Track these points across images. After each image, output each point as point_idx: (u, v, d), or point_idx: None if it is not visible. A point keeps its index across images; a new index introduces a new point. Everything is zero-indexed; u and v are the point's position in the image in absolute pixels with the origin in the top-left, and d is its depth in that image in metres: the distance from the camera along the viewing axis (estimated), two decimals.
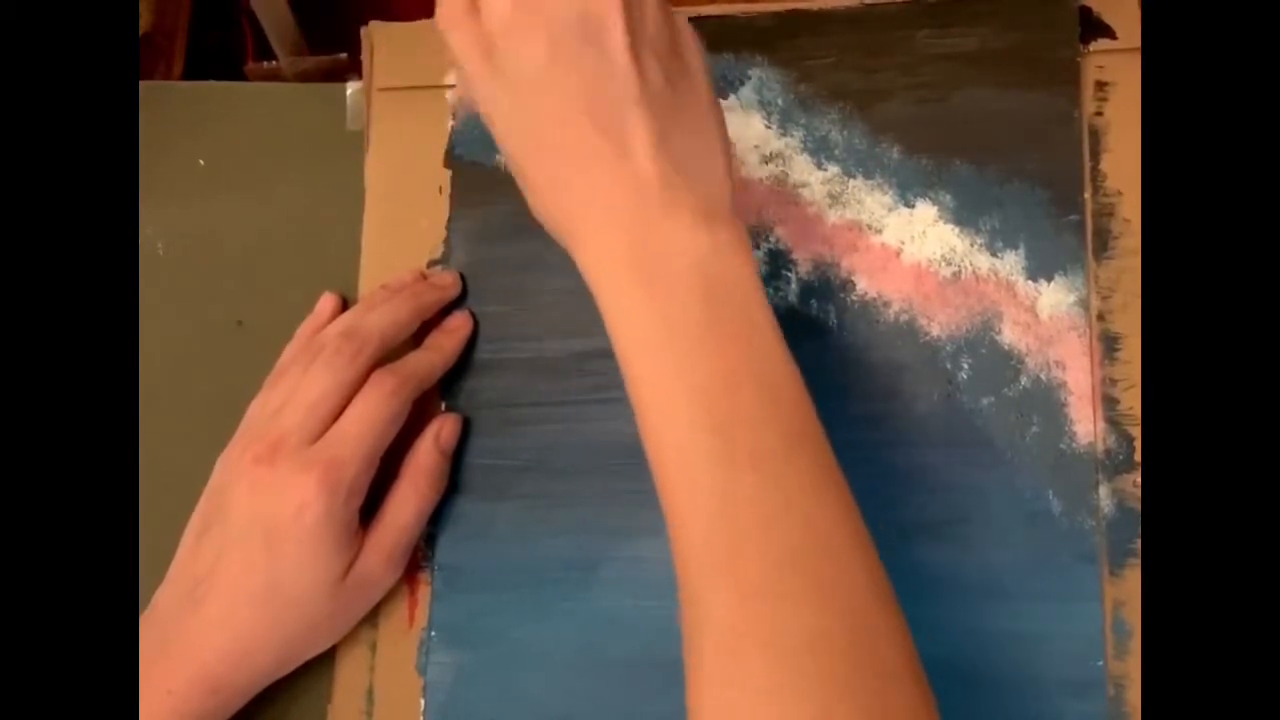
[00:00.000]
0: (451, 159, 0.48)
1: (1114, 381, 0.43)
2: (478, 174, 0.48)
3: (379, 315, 0.44)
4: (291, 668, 0.43)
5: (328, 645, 0.44)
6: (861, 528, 0.35)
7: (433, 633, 0.44)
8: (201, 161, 0.51)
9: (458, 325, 0.46)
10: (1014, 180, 0.44)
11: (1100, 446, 0.42)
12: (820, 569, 0.33)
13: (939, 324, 0.44)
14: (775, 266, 0.45)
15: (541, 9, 0.36)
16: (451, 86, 0.49)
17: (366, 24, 0.50)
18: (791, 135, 0.46)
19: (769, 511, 0.34)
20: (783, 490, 0.34)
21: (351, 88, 0.50)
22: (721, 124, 0.39)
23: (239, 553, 0.41)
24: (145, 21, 0.55)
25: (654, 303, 0.36)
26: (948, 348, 0.43)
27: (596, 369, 0.45)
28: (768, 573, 0.33)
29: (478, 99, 0.39)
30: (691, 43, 0.39)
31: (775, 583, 0.33)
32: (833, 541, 0.34)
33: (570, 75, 0.36)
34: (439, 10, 0.39)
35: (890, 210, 0.45)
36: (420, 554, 0.45)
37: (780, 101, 0.47)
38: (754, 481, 0.34)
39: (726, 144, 0.39)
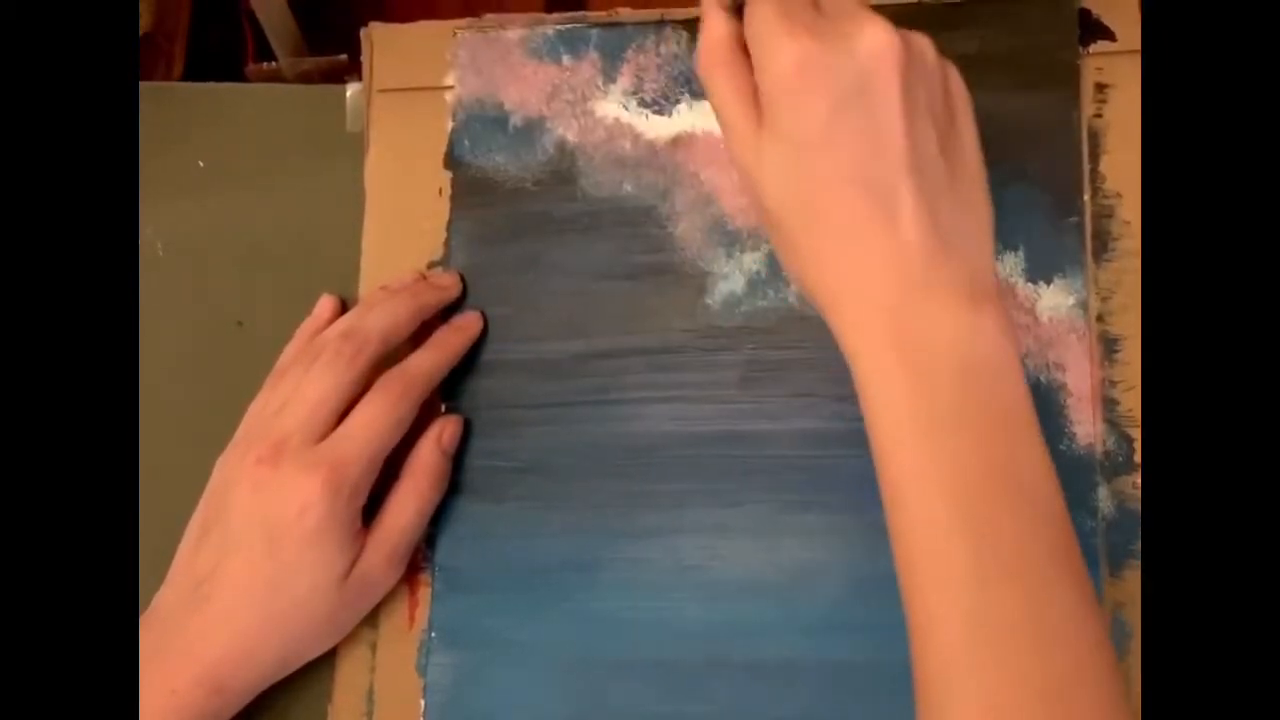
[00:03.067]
0: (451, 160, 0.48)
1: (1114, 383, 0.43)
2: (478, 175, 0.48)
3: (379, 316, 0.44)
4: (293, 668, 0.43)
5: (329, 646, 0.44)
6: (1113, 654, 0.33)
7: (433, 633, 0.44)
8: (201, 162, 0.51)
9: (467, 324, 0.46)
10: (1013, 182, 0.44)
11: (1100, 448, 0.42)
12: (1079, 702, 0.31)
13: None
14: (775, 267, 0.45)
15: (825, 69, 0.35)
16: (451, 88, 0.49)
17: (366, 25, 0.50)
18: None
19: (1029, 635, 0.32)
20: (1044, 612, 0.32)
21: (351, 89, 0.50)
22: (987, 192, 0.37)
23: (241, 553, 0.41)
24: (145, 21, 0.55)
25: (914, 390, 0.34)
26: None
27: (597, 370, 0.45)
28: (1025, 704, 0.31)
29: (733, 148, 0.37)
30: (963, 102, 0.37)
31: (1031, 715, 0.31)
32: (1092, 673, 0.32)
33: (846, 140, 0.35)
34: (701, 48, 0.38)
35: None
36: (420, 555, 0.45)
37: None
38: (1013, 600, 0.32)
39: (991, 214, 0.37)
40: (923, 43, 0.36)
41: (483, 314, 0.47)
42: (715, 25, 0.37)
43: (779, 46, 0.35)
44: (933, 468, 0.33)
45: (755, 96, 0.36)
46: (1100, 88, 0.45)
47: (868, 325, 0.35)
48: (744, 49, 0.37)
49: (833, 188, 0.35)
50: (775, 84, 0.35)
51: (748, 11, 0.37)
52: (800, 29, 0.35)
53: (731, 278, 0.45)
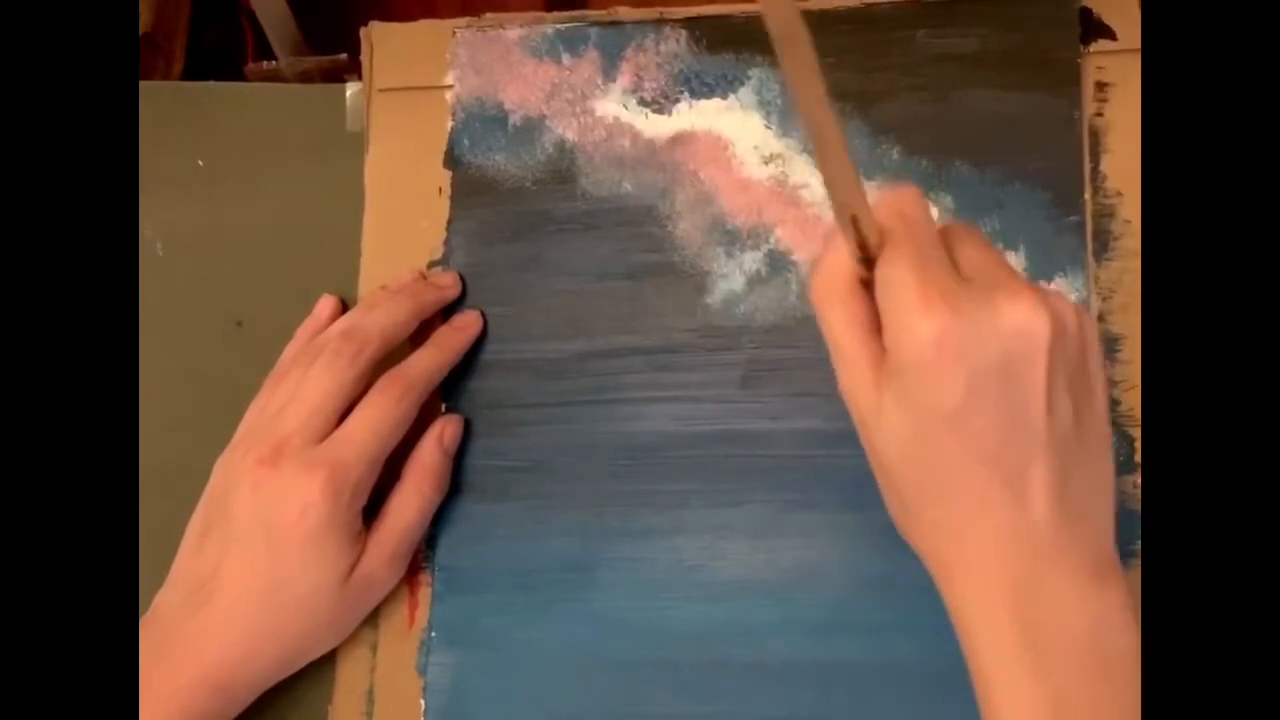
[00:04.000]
0: (451, 159, 0.48)
1: (1114, 382, 0.43)
2: (478, 175, 0.48)
3: (379, 315, 0.44)
4: (295, 668, 0.43)
5: (331, 646, 0.44)
6: None
7: (433, 633, 0.44)
8: (201, 161, 0.51)
9: (468, 323, 0.46)
10: (1014, 181, 0.44)
11: None
12: None
13: None
14: (775, 266, 0.45)
15: (966, 345, 0.32)
16: (450, 87, 0.49)
17: (366, 24, 0.50)
18: (792, 136, 0.46)
19: None
20: None
21: (351, 88, 0.50)
22: (1110, 449, 0.35)
23: (242, 554, 0.41)
24: (145, 21, 0.55)
25: (1041, 680, 0.32)
26: None
27: (597, 369, 0.45)
28: None
29: (846, 384, 0.35)
30: (1097, 360, 0.35)
31: None
32: None
33: (981, 419, 0.33)
34: (818, 278, 0.35)
35: None
36: (420, 555, 0.45)
37: (780, 102, 0.47)
38: None
39: (1114, 471, 0.35)
40: (1066, 308, 0.33)
41: (483, 313, 0.47)
42: (837, 258, 0.35)
43: (917, 320, 0.33)
44: None
45: (874, 330, 0.34)
46: (1101, 86, 0.45)
47: (988, 602, 0.33)
48: (864, 282, 0.35)
49: (962, 464, 0.33)
50: (909, 353, 0.33)
51: (883, 269, 0.34)
52: (941, 302, 0.32)
53: (731, 277, 0.45)
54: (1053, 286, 0.43)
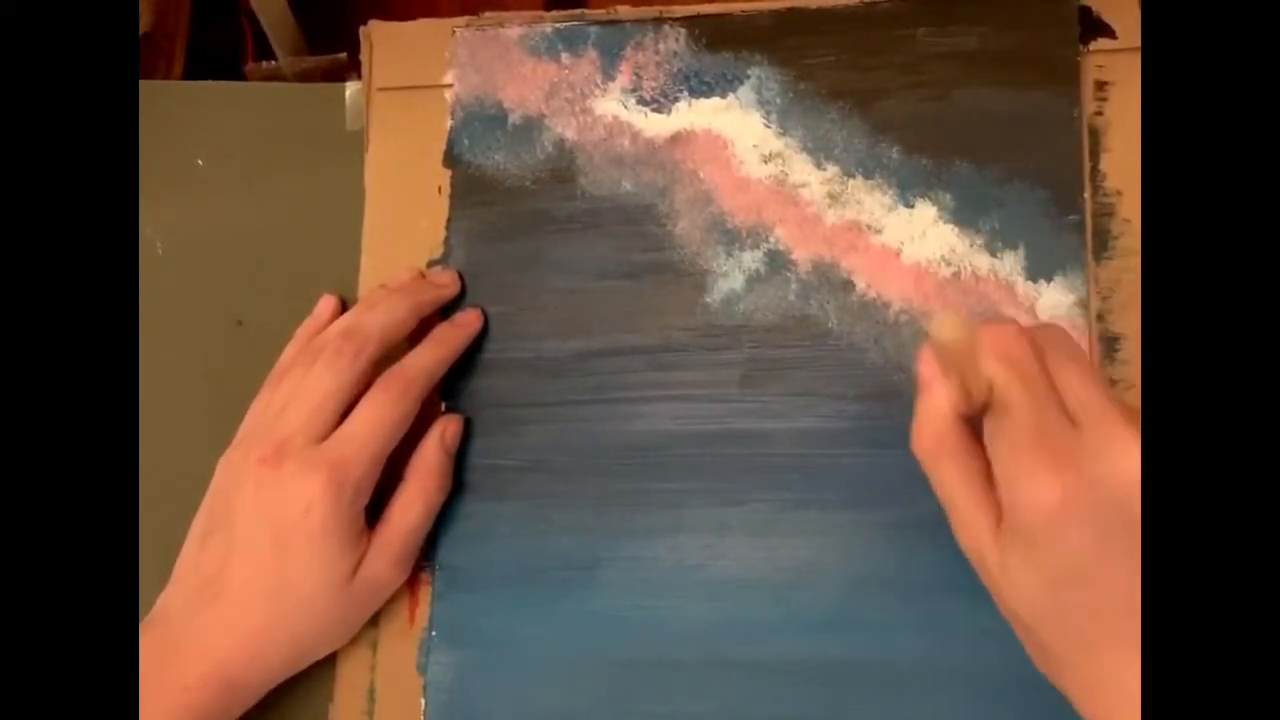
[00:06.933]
0: (451, 159, 0.48)
1: (1114, 382, 0.43)
2: (477, 174, 0.48)
3: (378, 314, 0.44)
4: (301, 667, 0.43)
5: (337, 645, 0.44)
6: None
7: (433, 632, 0.44)
8: (201, 161, 0.51)
9: (468, 320, 0.46)
10: (1014, 180, 0.44)
11: None
12: None
13: None
14: (775, 266, 0.45)
15: (1088, 503, 0.32)
16: (450, 86, 0.49)
17: (366, 24, 0.50)
18: (791, 135, 0.46)
19: None
20: None
21: (351, 88, 0.50)
22: None
23: (247, 553, 0.41)
24: (145, 21, 0.55)
25: None
26: None
27: (597, 369, 0.45)
28: None
29: (966, 541, 0.36)
30: None
31: None
32: None
33: (1115, 573, 0.33)
34: (923, 430, 0.35)
35: (890, 210, 0.45)
36: (421, 554, 0.45)
37: (779, 100, 0.47)
38: None
39: None
40: None
41: (483, 311, 0.47)
42: (940, 406, 0.35)
43: (1039, 477, 0.33)
44: None
45: (988, 483, 0.35)
46: (1101, 85, 0.45)
47: None
48: (969, 431, 0.35)
49: (1103, 618, 0.33)
50: (1031, 512, 0.33)
51: (995, 427, 0.34)
52: (1059, 459, 0.33)
53: (731, 276, 0.45)
54: (1051, 287, 0.43)
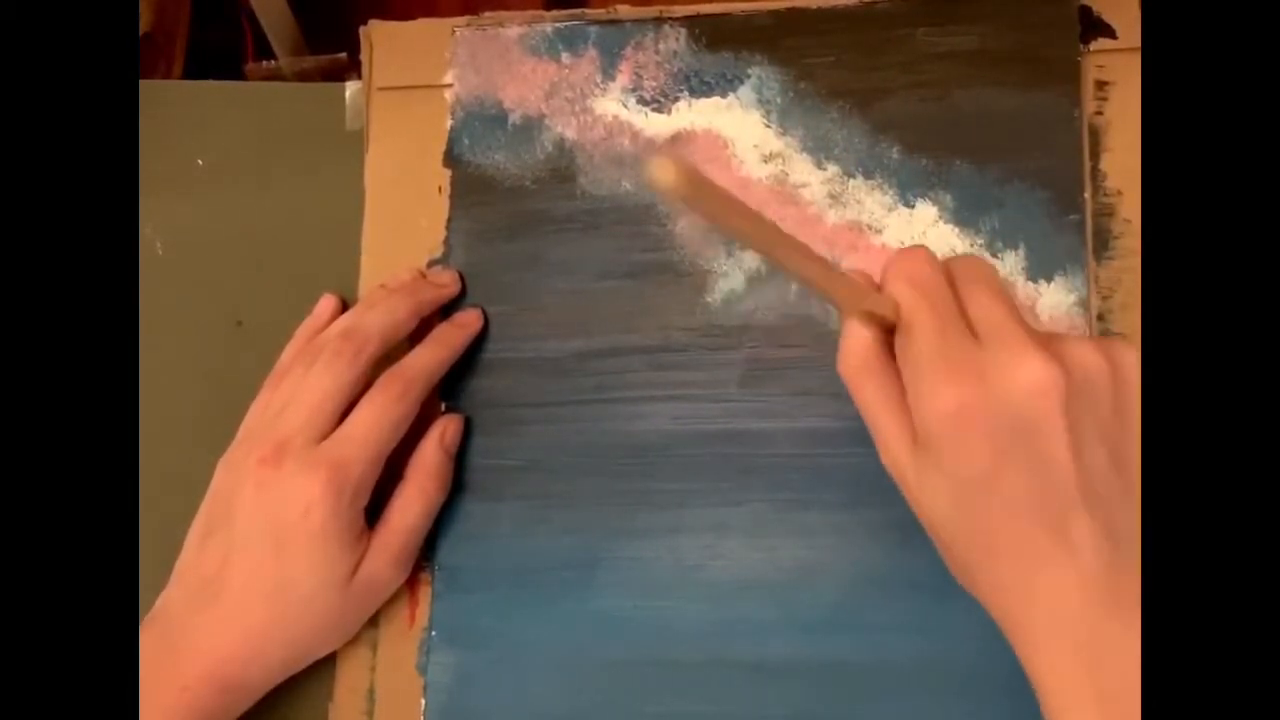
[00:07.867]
0: (451, 158, 0.48)
1: None
2: (477, 173, 0.48)
3: (378, 314, 0.44)
4: (301, 667, 0.43)
5: (337, 645, 0.44)
6: None
7: (433, 633, 0.44)
8: (200, 161, 0.51)
9: (468, 321, 0.46)
10: (1014, 180, 0.44)
11: None
12: None
13: None
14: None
15: (985, 412, 0.33)
16: (450, 86, 0.49)
17: (366, 23, 0.50)
18: (791, 134, 0.46)
19: None
20: None
21: (351, 87, 0.50)
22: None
23: (247, 553, 0.41)
24: (145, 21, 0.55)
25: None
26: None
27: (597, 369, 0.45)
28: None
29: (887, 458, 0.37)
30: (1133, 396, 0.35)
31: None
32: None
33: (1013, 478, 0.34)
34: (844, 353, 0.37)
35: (890, 210, 0.45)
36: (421, 554, 0.45)
37: (779, 100, 0.47)
38: None
39: None
40: (1086, 356, 0.34)
41: (483, 311, 0.47)
42: (860, 332, 0.36)
43: (937, 389, 0.34)
44: None
45: (906, 403, 0.36)
46: (1101, 85, 0.45)
47: (1056, 653, 0.34)
48: (889, 353, 0.36)
49: (1004, 523, 0.34)
50: (933, 422, 0.34)
51: (900, 343, 0.36)
52: (958, 370, 0.34)
53: (731, 276, 0.45)
54: (1051, 287, 0.43)
